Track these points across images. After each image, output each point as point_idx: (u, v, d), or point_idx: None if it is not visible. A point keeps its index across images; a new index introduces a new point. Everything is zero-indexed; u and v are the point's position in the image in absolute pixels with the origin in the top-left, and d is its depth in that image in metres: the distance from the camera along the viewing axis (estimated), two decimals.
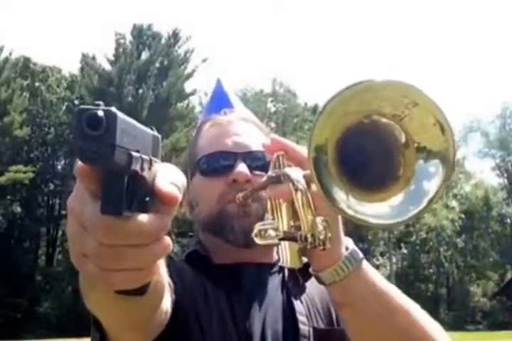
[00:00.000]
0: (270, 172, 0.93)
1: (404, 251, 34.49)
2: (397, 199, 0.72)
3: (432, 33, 66.34)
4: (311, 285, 1.11)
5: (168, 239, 0.54)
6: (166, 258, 1.09)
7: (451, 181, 32.39)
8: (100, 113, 0.44)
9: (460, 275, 33.63)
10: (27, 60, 32.88)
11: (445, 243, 33.17)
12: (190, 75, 31.76)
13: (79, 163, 0.48)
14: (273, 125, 34.51)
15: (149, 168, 0.52)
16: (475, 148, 41.76)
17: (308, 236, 0.77)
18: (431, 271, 34.44)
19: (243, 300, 1.10)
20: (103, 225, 0.49)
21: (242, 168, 1.12)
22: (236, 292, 1.11)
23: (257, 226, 0.91)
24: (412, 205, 0.71)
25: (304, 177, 0.81)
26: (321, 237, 0.76)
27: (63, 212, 32.67)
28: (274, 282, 1.15)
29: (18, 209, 30.68)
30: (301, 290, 1.13)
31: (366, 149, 0.76)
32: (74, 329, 23.21)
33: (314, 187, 0.78)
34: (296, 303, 1.11)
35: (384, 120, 0.72)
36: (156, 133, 0.55)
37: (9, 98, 28.56)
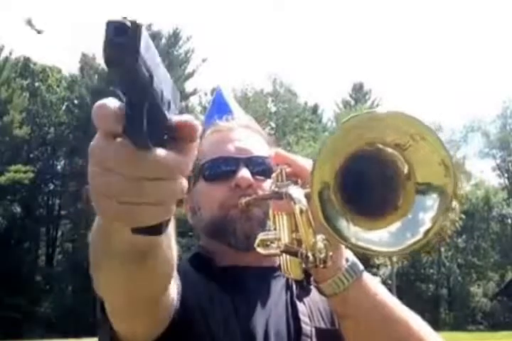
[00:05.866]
0: (273, 186, 0.97)
1: None
2: (395, 226, 0.74)
3: (433, 32, 66.51)
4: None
5: (185, 182, 0.57)
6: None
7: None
8: (127, 22, 0.47)
9: (461, 276, 33.65)
10: (27, 59, 32.93)
11: (446, 243, 33.21)
12: (190, 75, 31.85)
13: (95, 107, 0.52)
14: (273, 125, 34.57)
15: (168, 109, 0.54)
16: (475, 148, 41.78)
17: (310, 255, 0.77)
18: (431, 271, 34.47)
19: (246, 301, 1.12)
20: (126, 157, 0.52)
21: (244, 173, 1.14)
22: (239, 293, 1.12)
23: (260, 236, 0.94)
24: (409, 233, 0.73)
25: (306, 196, 0.82)
26: (322, 256, 0.77)
27: (63, 212, 32.76)
28: (278, 284, 1.16)
29: (18, 210, 30.72)
30: (306, 292, 1.14)
31: (368, 177, 0.78)
32: (74, 329, 23.28)
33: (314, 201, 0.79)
34: (299, 304, 1.12)
35: (387, 149, 0.73)
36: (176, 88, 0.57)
37: (9, 98, 28.62)
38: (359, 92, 38.85)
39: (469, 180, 36.82)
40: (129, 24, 0.47)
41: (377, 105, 37.63)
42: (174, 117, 0.55)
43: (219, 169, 1.17)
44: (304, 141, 31.23)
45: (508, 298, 30.87)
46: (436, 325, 26.78)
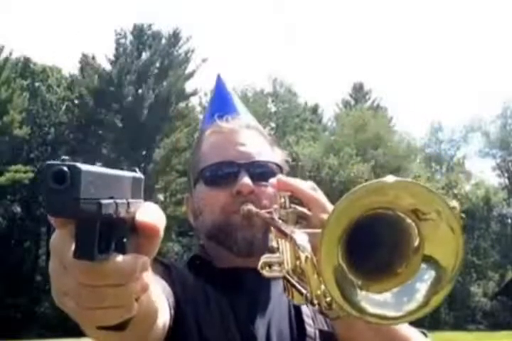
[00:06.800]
0: (276, 215, 0.97)
1: None
2: (395, 290, 0.71)
3: (433, 32, 66.43)
4: None
5: (146, 279, 0.56)
6: (167, 265, 1.10)
7: (451, 181, 32.39)
8: (65, 168, 0.46)
9: (461, 275, 33.60)
10: (27, 59, 32.85)
11: None
12: (190, 75, 31.75)
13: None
14: (273, 125, 34.51)
15: (127, 211, 0.53)
16: (475, 148, 41.73)
17: (315, 301, 0.76)
18: None
19: (245, 303, 1.11)
20: (81, 267, 0.51)
21: (245, 179, 1.13)
22: (238, 295, 1.11)
23: (263, 259, 0.93)
24: (405, 298, 0.71)
25: (310, 240, 0.80)
26: (327, 300, 0.75)
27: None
28: (279, 286, 1.14)
29: (18, 209, 30.62)
30: None
31: (376, 242, 0.76)
32: (74, 329, 23.17)
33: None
34: (303, 306, 1.11)
35: (404, 217, 0.70)
36: (138, 174, 0.57)
37: (9, 98, 28.54)
38: (359, 92, 38.74)
39: (469, 179, 36.76)
40: (66, 170, 0.46)
41: (378, 105, 37.59)
42: (137, 216, 0.54)
43: (220, 174, 1.16)
44: (304, 141, 31.14)
45: (508, 298, 30.81)
46: (437, 324, 26.70)
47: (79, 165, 0.47)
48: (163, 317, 0.88)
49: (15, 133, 28.44)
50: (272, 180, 1.06)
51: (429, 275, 0.70)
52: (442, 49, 64.37)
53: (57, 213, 0.48)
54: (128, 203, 0.54)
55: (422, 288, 0.70)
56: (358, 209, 0.67)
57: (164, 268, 1.09)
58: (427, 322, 24.68)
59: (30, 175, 27.92)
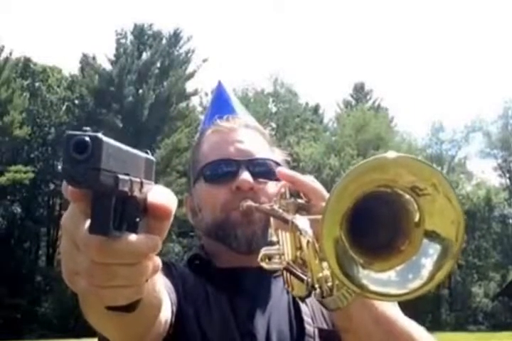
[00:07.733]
0: (276, 206, 0.98)
1: None
2: (399, 268, 0.71)
3: (434, 32, 66.52)
4: None
5: (158, 259, 0.57)
6: (168, 264, 1.10)
7: (452, 181, 32.39)
8: (86, 138, 0.47)
9: (462, 276, 33.61)
10: (27, 60, 32.92)
11: None
12: (191, 75, 31.81)
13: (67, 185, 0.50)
14: (274, 125, 34.54)
15: (140, 190, 0.54)
16: (477, 148, 41.80)
17: (316, 286, 0.75)
18: None
19: (245, 302, 1.11)
20: (94, 244, 0.51)
21: (245, 175, 1.13)
22: (238, 295, 1.11)
23: (263, 251, 0.93)
24: (410, 275, 0.70)
25: (310, 224, 0.80)
26: (329, 285, 0.74)
27: (63, 212, 32.54)
28: (278, 285, 1.14)
29: (18, 210, 30.67)
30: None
31: (377, 219, 0.74)
32: (74, 329, 23.26)
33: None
34: (302, 305, 1.11)
35: (402, 193, 0.69)
36: (150, 156, 0.58)
37: (9, 98, 28.60)
38: (360, 92, 38.81)
39: (470, 180, 36.79)
40: (88, 140, 0.47)
41: (379, 105, 37.64)
42: (149, 196, 0.55)
43: (220, 171, 1.17)
44: (305, 142, 31.20)
45: (509, 298, 30.82)
46: (438, 325, 26.71)
47: (100, 135, 0.48)
48: (166, 311, 0.88)
49: (15, 133, 28.48)
50: (279, 169, 1.07)
51: (434, 249, 0.70)
52: (443, 49, 64.47)
53: (76, 182, 0.48)
54: (141, 183, 0.54)
55: (428, 263, 0.70)
56: (359, 187, 0.66)
57: (165, 266, 1.08)
58: (427, 322, 24.74)
59: (31, 175, 27.96)
